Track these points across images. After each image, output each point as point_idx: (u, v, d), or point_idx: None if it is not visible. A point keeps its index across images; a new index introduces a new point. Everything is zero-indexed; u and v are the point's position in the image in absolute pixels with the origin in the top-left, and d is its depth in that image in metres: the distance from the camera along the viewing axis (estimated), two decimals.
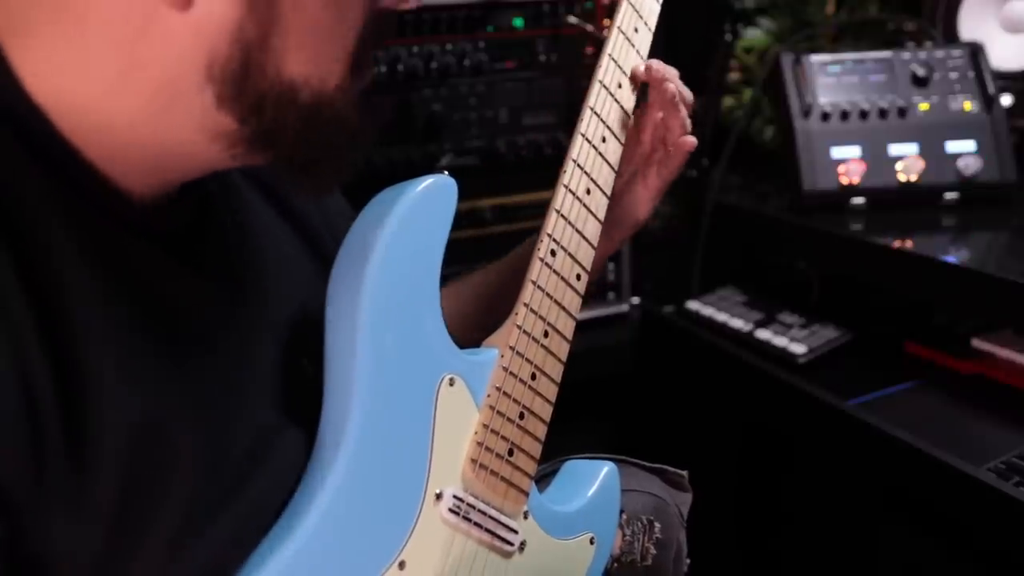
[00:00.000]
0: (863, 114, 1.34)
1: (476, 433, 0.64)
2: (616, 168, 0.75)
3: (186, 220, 0.57)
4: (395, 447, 0.59)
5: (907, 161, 1.31)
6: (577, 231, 0.70)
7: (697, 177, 1.52)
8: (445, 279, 0.62)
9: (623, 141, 0.76)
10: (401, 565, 0.58)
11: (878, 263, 1.22)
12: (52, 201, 0.48)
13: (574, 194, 0.70)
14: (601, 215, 0.73)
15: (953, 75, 1.36)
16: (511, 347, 0.66)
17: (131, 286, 0.51)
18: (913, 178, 1.31)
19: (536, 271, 0.67)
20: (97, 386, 0.47)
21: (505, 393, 0.65)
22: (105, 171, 0.50)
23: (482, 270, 0.87)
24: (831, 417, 1.14)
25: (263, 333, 0.60)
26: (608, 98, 0.74)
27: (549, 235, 0.68)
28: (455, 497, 0.62)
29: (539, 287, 0.67)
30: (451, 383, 0.62)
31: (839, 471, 1.25)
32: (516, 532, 0.67)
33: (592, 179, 0.72)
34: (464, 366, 0.63)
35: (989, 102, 1.34)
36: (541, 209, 0.71)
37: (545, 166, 1.22)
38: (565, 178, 0.70)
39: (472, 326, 0.71)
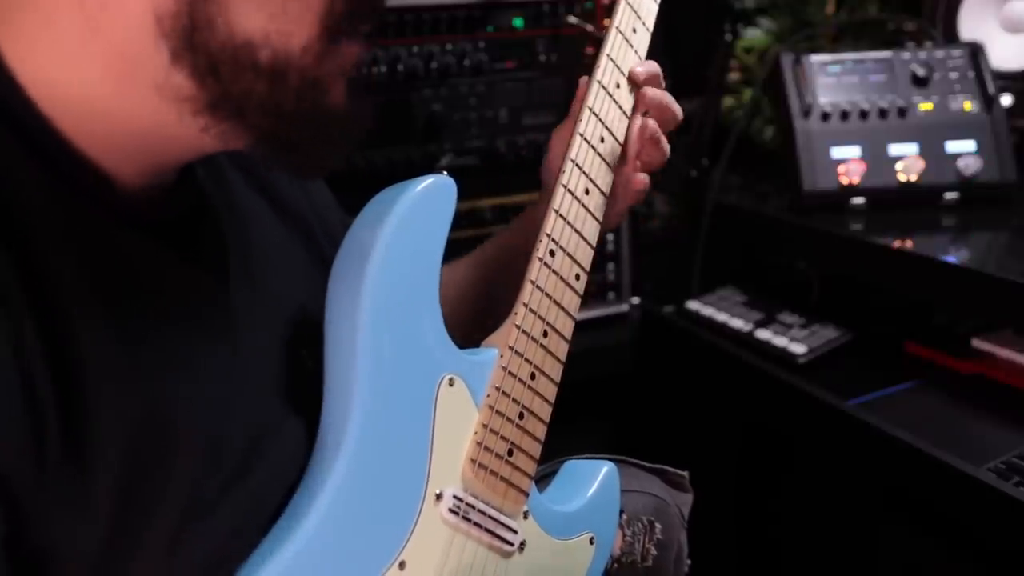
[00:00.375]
0: (863, 114, 1.34)
1: (476, 433, 0.64)
2: (615, 168, 0.75)
3: (180, 210, 0.56)
4: (395, 447, 0.59)
5: (907, 161, 1.31)
6: (576, 231, 0.71)
7: (697, 177, 1.52)
8: None
9: (621, 141, 0.76)
10: (401, 565, 0.59)
11: (878, 263, 1.22)
12: (47, 195, 0.48)
13: (573, 194, 0.70)
14: (600, 215, 0.73)
15: (953, 75, 1.36)
16: (510, 347, 0.66)
17: (127, 278, 0.51)
18: (913, 178, 1.31)
19: (535, 271, 0.67)
20: (95, 380, 0.47)
21: (505, 393, 0.65)
22: (97, 161, 0.50)
23: (460, 263, 0.85)
24: (831, 417, 1.14)
25: (260, 323, 0.60)
26: (606, 98, 0.74)
27: (548, 235, 0.68)
28: (455, 497, 0.62)
29: (538, 287, 0.67)
30: (451, 383, 0.62)
31: (839, 471, 1.25)
32: (516, 532, 0.67)
33: (591, 179, 0.72)
34: (464, 366, 0.63)
35: (989, 102, 1.33)
36: None
37: None
38: (564, 178, 0.70)
39: (459, 324, 0.70)
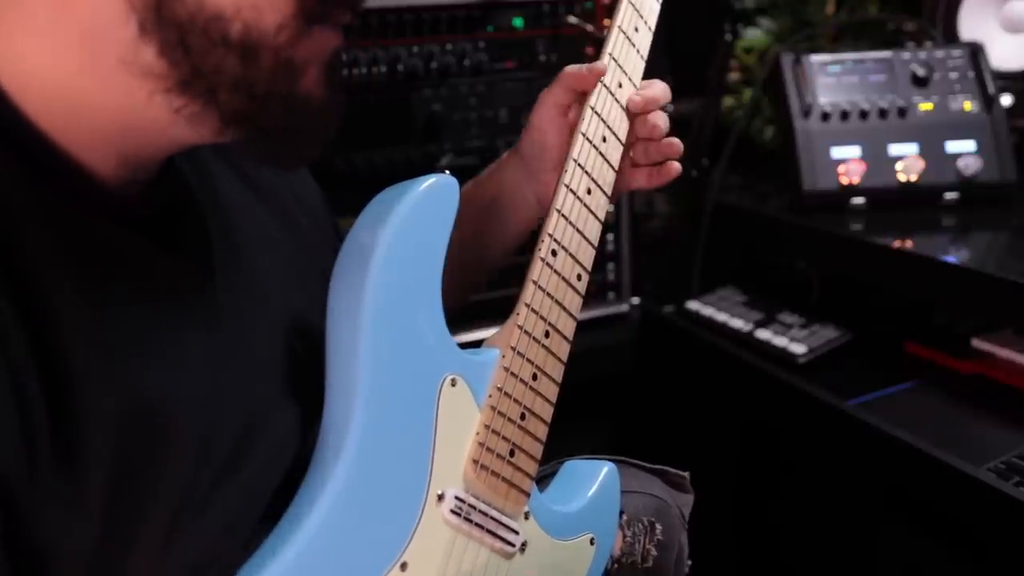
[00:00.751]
0: (863, 114, 1.34)
1: (477, 434, 0.64)
2: (616, 168, 0.75)
3: (162, 203, 0.56)
4: (397, 448, 0.59)
5: (907, 161, 1.31)
6: (578, 231, 0.70)
7: (697, 177, 1.52)
8: None
9: (623, 141, 0.76)
10: (403, 566, 0.58)
11: (878, 263, 1.22)
12: (26, 190, 0.47)
13: (575, 194, 0.70)
14: (602, 215, 0.73)
15: (953, 75, 1.36)
16: (512, 347, 0.66)
17: (111, 273, 0.50)
18: (913, 178, 1.31)
19: (537, 271, 0.67)
20: (82, 377, 0.47)
21: (506, 393, 0.65)
22: (74, 154, 0.50)
23: None
24: (831, 417, 1.14)
25: (247, 313, 0.60)
26: (609, 98, 0.74)
27: (550, 235, 0.68)
28: (457, 498, 0.62)
29: (540, 287, 0.67)
30: (453, 383, 0.62)
31: (839, 471, 1.25)
32: (517, 533, 0.67)
33: (593, 179, 0.72)
34: (465, 366, 0.63)
35: (989, 102, 1.34)
36: None
37: None
38: (566, 177, 0.70)
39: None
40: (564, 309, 0.69)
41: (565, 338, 0.70)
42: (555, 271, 0.68)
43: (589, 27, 1.33)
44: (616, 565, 0.83)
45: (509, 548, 0.67)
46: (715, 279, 1.48)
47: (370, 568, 0.57)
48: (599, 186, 0.72)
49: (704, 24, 1.56)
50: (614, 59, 0.75)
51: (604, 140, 0.73)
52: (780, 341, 1.28)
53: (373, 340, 0.57)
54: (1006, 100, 1.38)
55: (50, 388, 0.46)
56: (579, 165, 0.71)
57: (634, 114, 0.76)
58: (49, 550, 0.46)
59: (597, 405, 1.32)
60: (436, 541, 0.61)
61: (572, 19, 1.32)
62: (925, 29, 1.51)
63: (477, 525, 0.63)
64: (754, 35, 1.68)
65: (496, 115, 1.31)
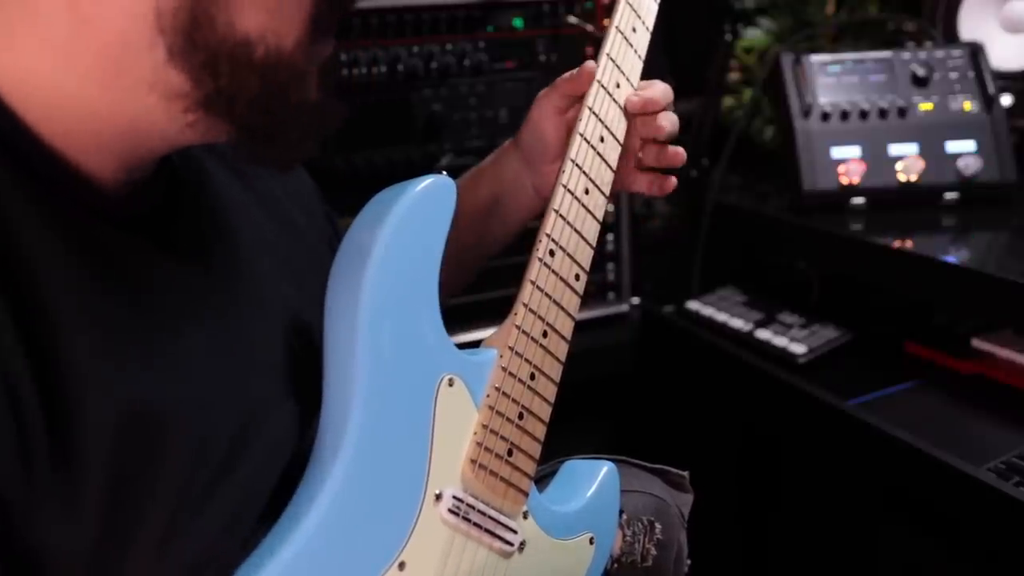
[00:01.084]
0: (863, 114, 1.34)
1: (475, 433, 0.64)
2: (615, 168, 0.75)
3: (157, 203, 0.56)
4: (395, 448, 0.59)
5: (907, 161, 1.31)
6: (576, 231, 0.70)
7: (697, 177, 1.52)
8: None
9: (621, 141, 0.76)
10: (401, 566, 0.58)
11: (878, 263, 1.22)
12: (21, 193, 0.47)
13: (572, 194, 0.70)
14: (600, 215, 0.73)
15: (953, 75, 1.36)
16: (510, 347, 0.66)
17: (106, 273, 0.50)
18: (913, 178, 1.31)
19: (535, 271, 0.67)
20: (77, 379, 0.47)
21: (504, 393, 0.65)
22: (72, 159, 0.50)
23: None
24: (831, 417, 1.14)
25: (243, 311, 0.60)
26: (606, 98, 0.74)
27: (548, 235, 0.68)
28: (455, 498, 0.62)
29: (538, 287, 0.67)
30: (450, 383, 0.62)
31: (839, 471, 1.25)
32: (516, 532, 0.67)
33: (591, 179, 0.72)
34: (463, 366, 0.63)
35: (989, 102, 1.33)
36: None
37: None
38: (564, 178, 0.70)
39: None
40: (562, 309, 0.69)
41: (563, 338, 0.70)
42: (553, 271, 0.68)
43: (589, 27, 1.33)
44: (616, 564, 0.83)
45: (508, 548, 0.67)
46: (715, 279, 1.48)
47: (368, 567, 0.57)
48: (597, 186, 0.73)
49: (704, 24, 1.56)
50: (611, 59, 0.75)
51: (602, 140, 0.73)
52: (780, 341, 1.28)
53: (371, 340, 0.57)
54: (1006, 100, 1.38)
55: (46, 390, 0.46)
56: (577, 165, 0.71)
57: (632, 115, 0.76)
58: (46, 551, 0.46)
59: (597, 405, 1.32)
60: (434, 540, 0.61)
61: (572, 19, 1.32)
62: (925, 29, 1.51)
63: (475, 525, 0.63)
64: (754, 35, 1.68)
65: (496, 115, 1.31)
